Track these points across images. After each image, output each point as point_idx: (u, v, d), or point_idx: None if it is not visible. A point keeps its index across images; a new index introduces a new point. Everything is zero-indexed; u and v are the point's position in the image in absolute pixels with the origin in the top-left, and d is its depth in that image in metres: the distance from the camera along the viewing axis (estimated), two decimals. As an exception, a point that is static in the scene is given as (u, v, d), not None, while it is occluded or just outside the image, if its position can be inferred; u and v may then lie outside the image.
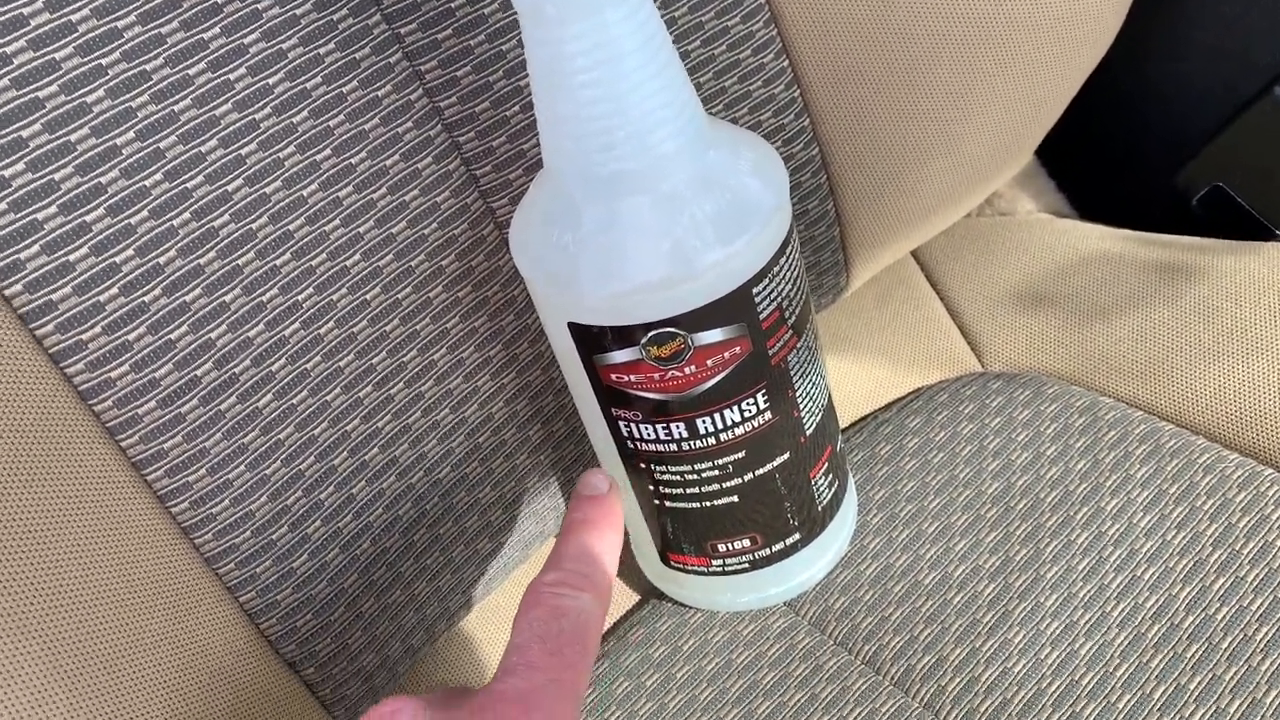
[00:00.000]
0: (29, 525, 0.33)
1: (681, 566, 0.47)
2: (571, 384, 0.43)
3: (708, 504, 0.44)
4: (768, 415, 0.42)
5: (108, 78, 0.34)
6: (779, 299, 0.40)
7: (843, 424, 0.55)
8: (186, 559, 0.38)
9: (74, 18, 0.34)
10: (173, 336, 0.36)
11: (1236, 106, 0.61)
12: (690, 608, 0.50)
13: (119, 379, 0.35)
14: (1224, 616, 0.44)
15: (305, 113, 0.38)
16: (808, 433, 0.44)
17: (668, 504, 0.44)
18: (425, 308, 0.42)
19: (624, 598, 0.52)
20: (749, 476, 0.43)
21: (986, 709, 0.43)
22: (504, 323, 0.45)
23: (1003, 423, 0.53)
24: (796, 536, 0.46)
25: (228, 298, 0.37)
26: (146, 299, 0.36)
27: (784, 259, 0.40)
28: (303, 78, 0.38)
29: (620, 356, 0.39)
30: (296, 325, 0.39)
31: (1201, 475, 0.48)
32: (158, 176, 0.36)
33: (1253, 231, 0.63)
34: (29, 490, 0.33)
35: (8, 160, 0.33)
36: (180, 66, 0.36)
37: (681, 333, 0.38)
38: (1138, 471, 0.49)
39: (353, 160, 0.40)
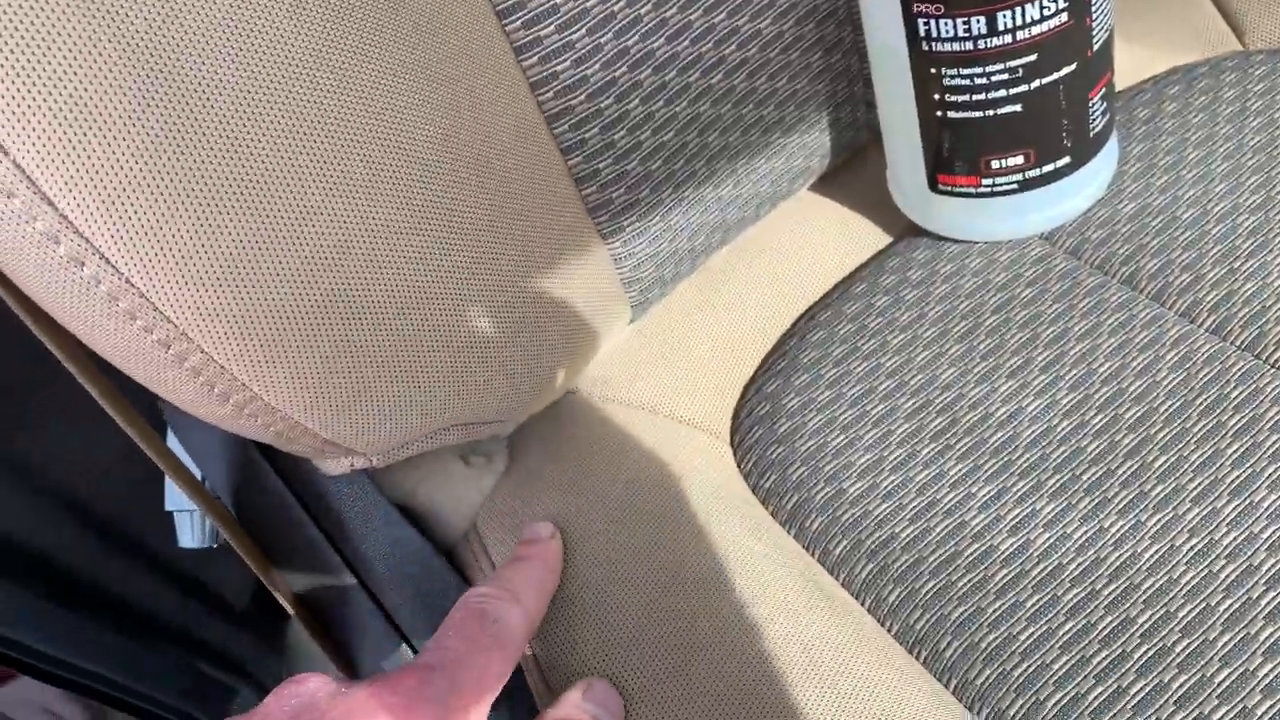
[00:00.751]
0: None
1: (949, 189, 0.50)
2: (874, -16, 0.45)
3: (991, 112, 0.46)
4: (1064, 17, 0.44)
5: None
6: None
7: (1095, 97, 0.56)
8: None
9: None
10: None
11: None
12: (947, 240, 0.53)
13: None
14: None
15: None
16: (1095, 47, 0.46)
17: (950, 114, 0.47)
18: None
19: (876, 239, 0.56)
20: (1036, 84, 0.45)
21: (1243, 315, 0.46)
22: (802, -60, 0.48)
23: (1266, 89, 0.54)
24: (1067, 159, 0.49)
25: None
26: None
27: None
28: None
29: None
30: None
31: None
32: None
33: None
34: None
35: None
36: None
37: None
38: None
39: None
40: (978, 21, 0.44)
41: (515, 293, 0.44)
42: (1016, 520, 0.42)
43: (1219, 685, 0.37)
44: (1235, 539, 0.40)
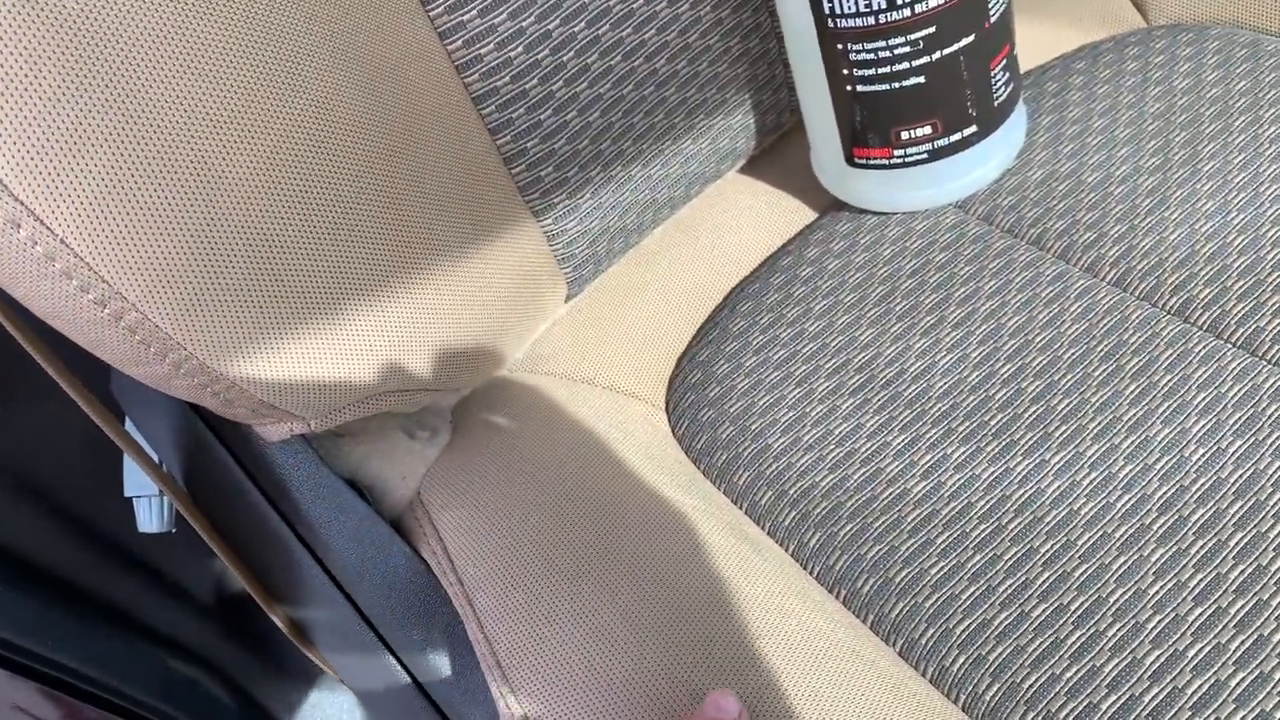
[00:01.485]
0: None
1: (865, 161, 0.53)
2: (780, -34, 0.48)
3: (897, 85, 0.49)
4: (958, -11, 0.46)
5: None
6: None
7: (1009, 75, 0.59)
8: (460, 94, 0.45)
9: None
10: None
11: None
12: (868, 212, 0.55)
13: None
14: (1374, 190, 0.48)
15: None
16: (992, 19, 0.48)
17: (859, 88, 0.50)
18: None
19: (804, 215, 0.59)
20: (937, 55, 0.48)
21: (1141, 268, 0.48)
22: (715, -70, 0.51)
23: (1166, 60, 0.57)
24: (974, 129, 0.51)
25: None
26: None
27: None
28: None
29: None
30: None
31: (1361, 86, 0.52)
32: None
33: None
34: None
35: None
36: None
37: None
38: (1298, 86, 0.53)
39: None
40: (877, -4, 0.46)
41: (448, 265, 0.46)
42: (929, 465, 0.45)
43: (1113, 604, 0.39)
44: (1131, 471, 0.42)
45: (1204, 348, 0.45)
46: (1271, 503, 0.40)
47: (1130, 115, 0.55)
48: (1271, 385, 0.43)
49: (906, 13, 0.47)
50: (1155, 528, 0.40)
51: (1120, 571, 0.40)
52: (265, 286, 0.37)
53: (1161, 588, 0.39)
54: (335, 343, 0.40)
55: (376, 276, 0.42)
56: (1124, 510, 0.41)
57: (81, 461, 0.57)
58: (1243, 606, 0.38)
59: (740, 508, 0.47)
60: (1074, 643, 0.38)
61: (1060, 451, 0.43)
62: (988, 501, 0.43)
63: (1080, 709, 0.37)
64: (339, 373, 0.41)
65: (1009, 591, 0.40)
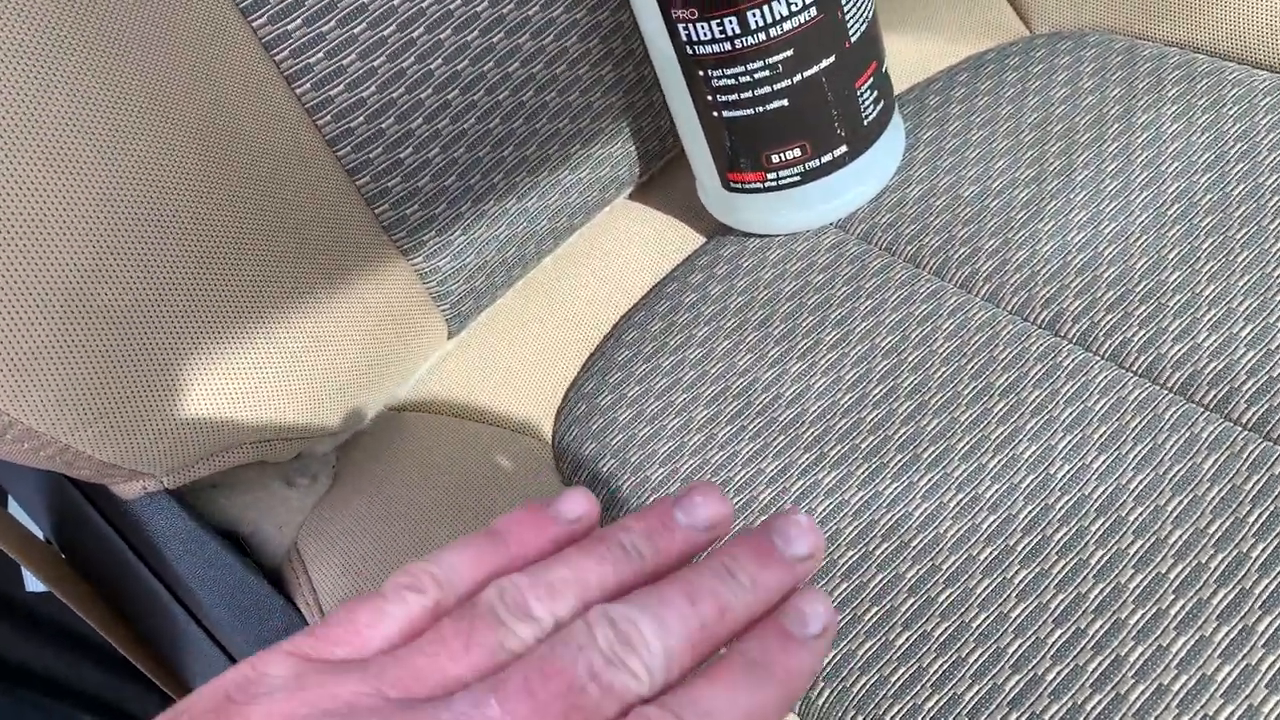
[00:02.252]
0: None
1: (741, 186, 0.53)
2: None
3: (761, 108, 0.49)
4: (814, 12, 0.46)
5: None
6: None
7: (896, 91, 0.59)
8: (312, 137, 0.45)
9: None
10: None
11: None
12: (750, 236, 0.55)
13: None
14: (1239, 193, 0.47)
15: None
16: (852, 39, 0.48)
17: (726, 114, 0.49)
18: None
19: (693, 240, 0.58)
20: (798, 78, 0.48)
21: (1014, 281, 0.48)
22: (576, -41, 0.50)
23: (1045, 69, 0.57)
24: (844, 149, 0.51)
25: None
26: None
27: None
28: None
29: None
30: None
31: (1230, 89, 0.52)
32: None
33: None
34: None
35: None
36: None
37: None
38: (1169, 91, 0.53)
39: None
40: (731, 22, 0.46)
41: (310, 309, 0.45)
42: (800, 491, 0.44)
43: (976, 630, 0.38)
44: (996, 491, 0.42)
45: (1072, 361, 0.45)
46: (1132, 518, 0.39)
47: (1008, 127, 0.54)
48: (1135, 397, 0.43)
49: (762, 37, 0.46)
50: (1019, 548, 0.40)
51: (983, 595, 0.39)
52: (93, 345, 0.37)
53: (1024, 610, 0.38)
54: (179, 397, 0.40)
55: (226, 326, 0.41)
56: (989, 532, 0.41)
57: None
58: (1101, 627, 0.37)
59: (620, 543, 0.47)
60: (935, 671, 0.38)
61: (928, 473, 0.43)
62: (856, 527, 0.42)
63: (941, 739, 0.37)
64: (186, 427, 0.40)
65: (874, 619, 0.40)
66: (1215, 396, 0.42)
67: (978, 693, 0.37)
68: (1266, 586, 0.36)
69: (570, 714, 0.22)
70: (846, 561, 0.41)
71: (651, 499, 0.46)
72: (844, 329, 0.49)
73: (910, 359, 0.47)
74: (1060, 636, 0.37)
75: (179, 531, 0.46)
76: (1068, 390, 0.44)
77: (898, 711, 0.37)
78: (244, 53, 0.42)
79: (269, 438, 0.44)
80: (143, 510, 0.46)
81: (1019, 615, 0.38)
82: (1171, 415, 0.42)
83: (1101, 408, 0.43)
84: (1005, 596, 0.39)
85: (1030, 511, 0.41)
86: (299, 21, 0.43)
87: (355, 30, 0.44)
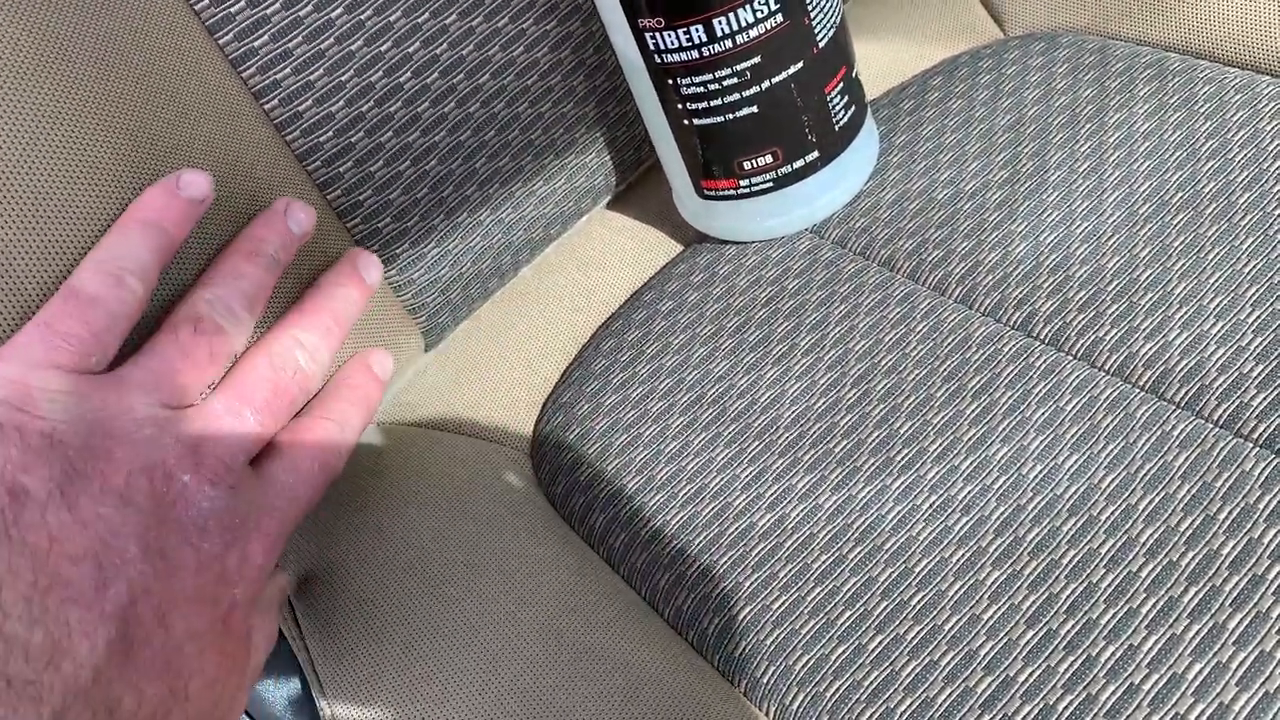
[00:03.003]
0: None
1: (715, 193, 0.53)
2: (600, 4, 0.48)
3: (731, 116, 0.49)
4: (780, 18, 0.46)
5: None
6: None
7: (871, 96, 0.59)
8: (279, 148, 0.45)
9: None
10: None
11: None
12: (727, 243, 0.55)
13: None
14: (1210, 190, 0.47)
15: None
16: (820, 44, 0.48)
17: (696, 121, 0.50)
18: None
19: (670, 248, 0.58)
20: (766, 84, 0.48)
21: (987, 283, 0.48)
22: (545, -30, 0.51)
23: (1018, 71, 0.57)
24: (815, 154, 0.51)
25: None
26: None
27: None
28: None
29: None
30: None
31: (1202, 87, 0.52)
32: None
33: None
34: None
35: None
36: None
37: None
38: (1141, 90, 0.53)
39: None
40: (697, 30, 0.46)
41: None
42: (774, 497, 0.44)
43: (947, 633, 0.38)
44: (969, 492, 0.42)
45: (1045, 361, 0.44)
46: (1104, 517, 0.39)
47: (982, 129, 0.54)
48: (1107, 396, 0.42)
49: (729, 44, 0.46)
50: (991, 550, 0.40)
51: (956, 598, 0.39)
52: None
53: (995, 612, 0.38)
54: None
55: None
56: (961, 534, 0.41)
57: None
58: (1072, 627, 0.37)
59: (599, 553, 0.47)
60: (908, 675, 0.38)
61: (901, 476, 0.43)
62: (829, 531, 0.42)
63: (914, 742, 0.36)
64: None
65: (847, 624, 0.40)
66: (1186, 394, 0.42)
67: (950, 695, 0.37)
68: (1236, 584, 0.36)
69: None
70: (820, 566, 0.41)
71: (629, 508, 0.46)
72: (818, 334, 0.49)
73: (884, 363, 0.47)
74: (1032, 638, 0.37)
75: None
76: (1040, 391, 0.44)
77: (871, 715, 0.37)
78: (210, 69, 0.42)
79: (243, 452, 0.44)
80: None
81: (991, 617, 0.38)
82: (1143, 414, 0.42)
83: (1074, 407, 0.43)
84: (978, 598, 0.39)
85: (1002, 513, 0.41)
86: (265, 38, 0.43)
87: (322, 46, 0.45)
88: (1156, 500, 0.39)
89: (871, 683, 0.38)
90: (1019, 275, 0.48)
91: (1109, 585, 0.38)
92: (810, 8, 0.47)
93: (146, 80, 0.40)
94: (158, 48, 0.41)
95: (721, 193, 0.52)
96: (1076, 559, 0.39)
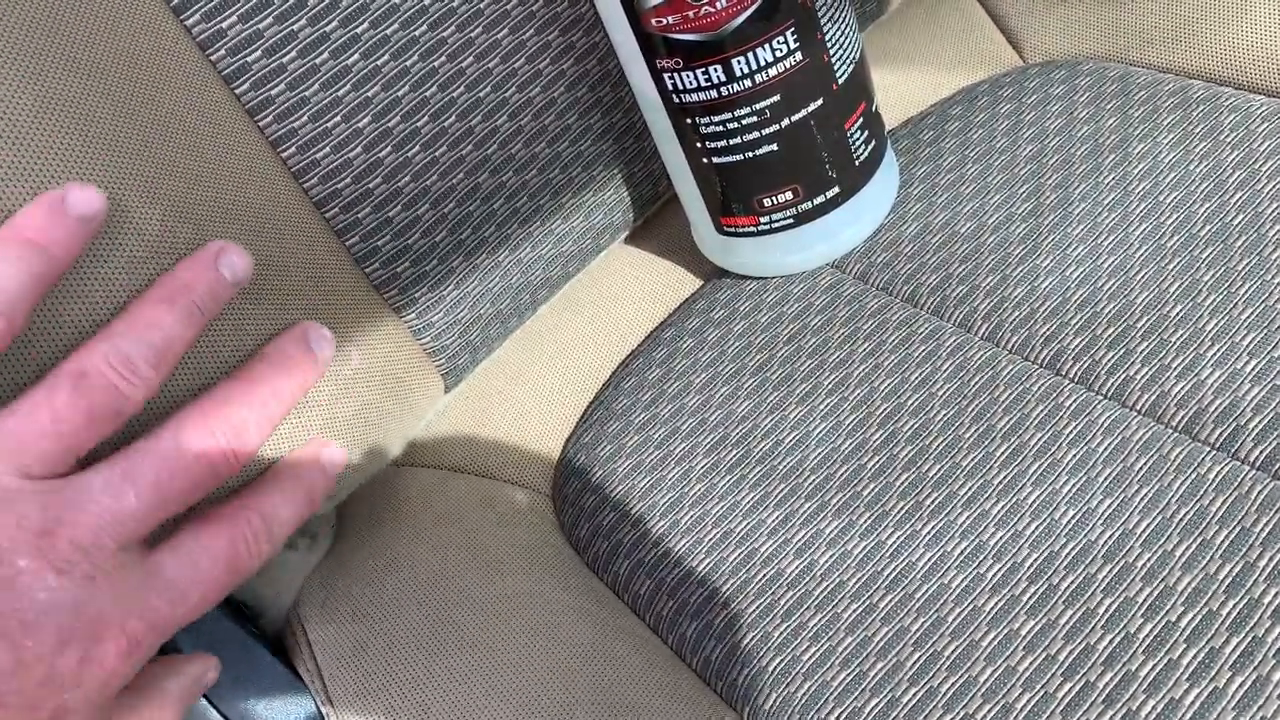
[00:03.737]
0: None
1: (734, 230, 0.52)
2: (617, 45, 0.47)
3: (751, 154, 0.48)
4: (798, 56, 0.46)
5: None
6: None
7: (890, 126, 0.59)
8: (299, 199, 0.45)
9: None
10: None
11: None
12: (747, 278, 0.55)
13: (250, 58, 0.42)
14: (1239, 223, 0.47)
15: None
16: (839, 80, 0.48)
17: (716, 160, 0.49)
18: (488, -11, 0.48)
19: (690, 284, 0.58)
20: (786, 122, 0.47)
21: (1013, 320, 0.47)
22: (559, 9, 0.50)
23: (1039, 99, 0.56)
24: (836, 190, 0.50)
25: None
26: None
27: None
28: None
29: (654, -14, 0.44)
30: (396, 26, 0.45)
31: (1227, 115, 0.51)
32: None
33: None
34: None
35: None
36: None
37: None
38: (1165, 120, 0.52)
39: None
40: (716, 70, 0.46)
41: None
42: (802, 542, 0.43)
43: (982, 685, 0.38)
44: (1001, 538, 0.41)
45: (1074, 401, 0.44)
46: (1140, 564, 0.38)
47: (1003, 160, 0.54)
48: (1140, 437, 0.42)
49: (748, 84, 0.46)
50: (1025, 599, 0.39)
51: (990, 649, 0.38)
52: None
53: (1031, 664, 0.38)
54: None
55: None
56: (995, 581, 0.40)
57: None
58: (1111, 680, 0.36)
59: (624, 600, 0.46)
60: (943, 728, 0.37)
61: (931, 521, 0.42)
62: (859, 578, 0.42)
63: (952, 799, 0.36)
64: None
65: (879, 676, 0.39)
66: (1221, 435, 0.41)
67: (987, 751, 0.36)
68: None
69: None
70: (851, 615, 0.41)
71: (654, 554, 0.45)
72: (842, 372, 0.48)
73: (910, 402, 0.46)
74: (1070, 689, 0.36)
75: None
76: (1070, 432, 0.43)
77: (906, 772, 0.37)
78: (227, 118, 0.42)
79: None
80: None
81: (1027, 669, 0.37)
82: (1177, 455, 0.41)
83: (1106, 449, 0.42)
84: (1012, 649, 0.38)
85: (1035, 560, 0.40)
86: (282, 86, 0.43)
87: (339, 93, 0.44)
88: (1194, 547, 0.38)
89: (906, 737, 0.37)
90: (1046, 311, 0.47)
91: (1147, 635, 0.37)
92: (829, 45, 0.47)
93: (165, 131, 0.40)
94: (173, 102, 0.40)
95: (742, 230, 0.52)
96: (1113, 608, 0.38)
